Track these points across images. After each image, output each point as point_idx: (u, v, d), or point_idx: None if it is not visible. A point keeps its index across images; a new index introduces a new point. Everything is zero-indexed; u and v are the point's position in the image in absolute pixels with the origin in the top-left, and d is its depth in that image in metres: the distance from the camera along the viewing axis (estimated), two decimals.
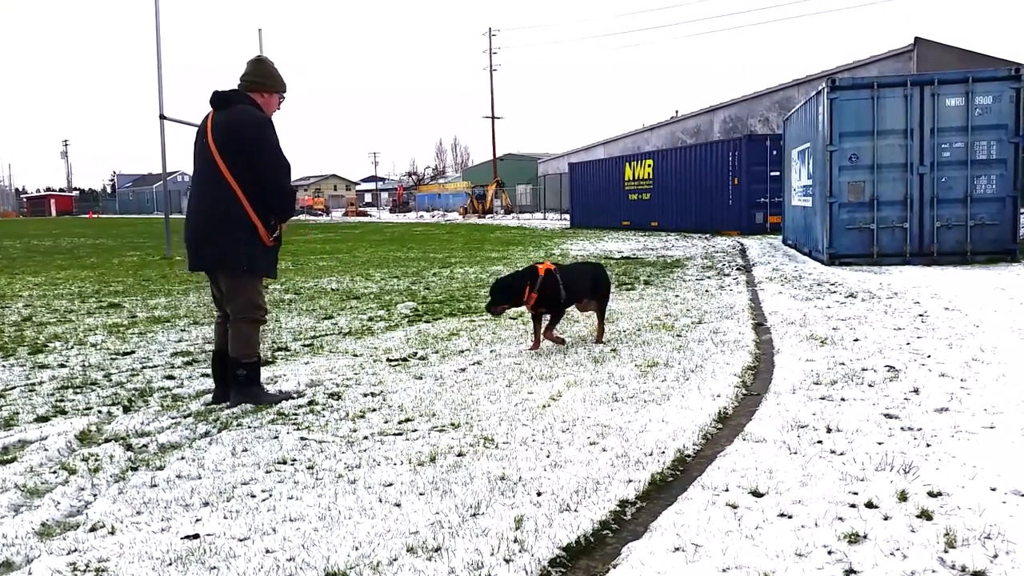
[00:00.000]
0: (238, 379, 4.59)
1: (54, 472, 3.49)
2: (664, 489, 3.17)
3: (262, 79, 4.57)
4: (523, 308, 6.08)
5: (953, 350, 5.44)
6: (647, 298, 8.94)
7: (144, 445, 3.88)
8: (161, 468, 3.52)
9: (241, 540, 2.75)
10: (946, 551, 2.48)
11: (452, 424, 4.10)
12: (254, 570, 2.52)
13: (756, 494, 3.00)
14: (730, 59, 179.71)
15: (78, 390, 5.11)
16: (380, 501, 3.06)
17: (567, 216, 35.44)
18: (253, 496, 3.16)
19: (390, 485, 3.23)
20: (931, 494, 2.93)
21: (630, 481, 3.20)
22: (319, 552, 2.63)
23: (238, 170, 4.36)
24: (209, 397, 4.79)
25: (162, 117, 16.93)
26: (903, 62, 24.71)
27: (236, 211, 4.39)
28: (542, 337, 6.06)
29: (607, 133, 72.30)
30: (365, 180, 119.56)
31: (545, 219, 42.64)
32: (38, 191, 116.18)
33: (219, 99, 4.49)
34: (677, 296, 9.05)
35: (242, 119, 4.39)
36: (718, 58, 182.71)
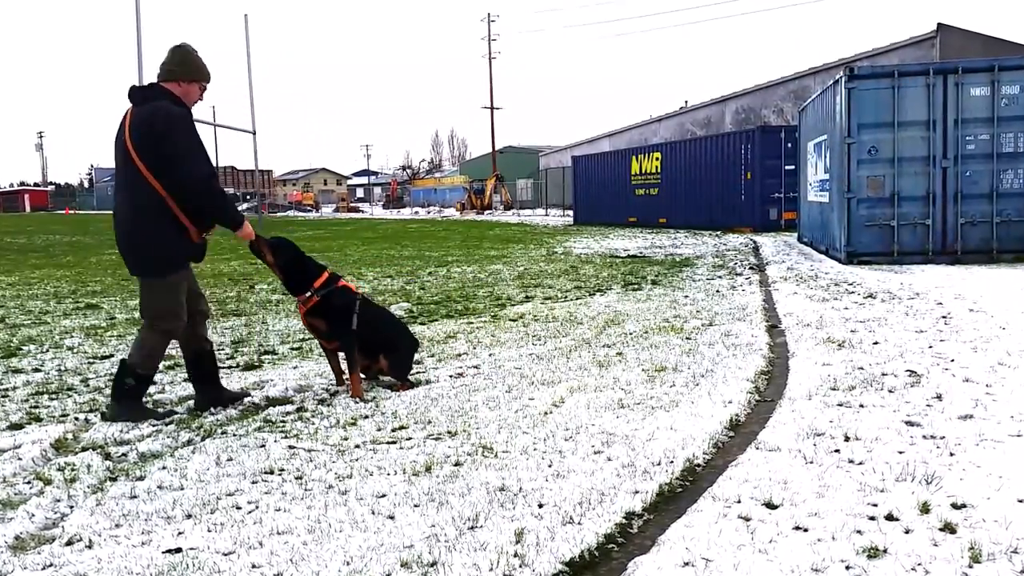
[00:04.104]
0: (122, 387, 4.48)
1: (28, 483, 3.49)
2: (673, 500, 3.17)
3: (178, 67, 4.49)
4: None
5: (978, 354, 5.44)
6: (655, 299, 8.94)
7: (123, 454, 3.88)
8: (141, 478, 3.52)
9: (226, 554, 2.75)
10: (971, 566, 2.48)
11: (449, 432, 4.10)
12: None
13: (770, 506, 3.00)
14: (743, 46, 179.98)
15: (54, 396, 5.12)
16: (373, 513, 3.06)
17: (570, 212, 35.45)
18: (238, 508, 3.16)
19: (383, 496, 3.23)
20: (955, 506, 2.94)
21: (637, 492, 3.20)
22: (308, 567, 2.63)
23: (155, 167, 4.30)
24: (193, 403, 4.80)
25: None
26: (925, 50, 24.71)
27: (160, 210, 4.34)
28: (349, 379, 4.99)
29: (613, 124, 72.36)
30: (357, 174, 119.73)
31: (547, 215, 42.65)
32: (11, 185, 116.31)
33: (136, 94, 4.46)
34: (686, 297, 9.05)
35: (155, 115, 4.32)
36: (730, 45, 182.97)
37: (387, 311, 6.01)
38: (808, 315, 7.34)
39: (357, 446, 3.91)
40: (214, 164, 4.49)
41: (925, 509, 2.91)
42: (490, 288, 10.42)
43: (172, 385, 5.36)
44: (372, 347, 5.06)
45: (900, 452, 3.55)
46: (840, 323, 6.89)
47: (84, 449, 3.95)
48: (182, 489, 3.38)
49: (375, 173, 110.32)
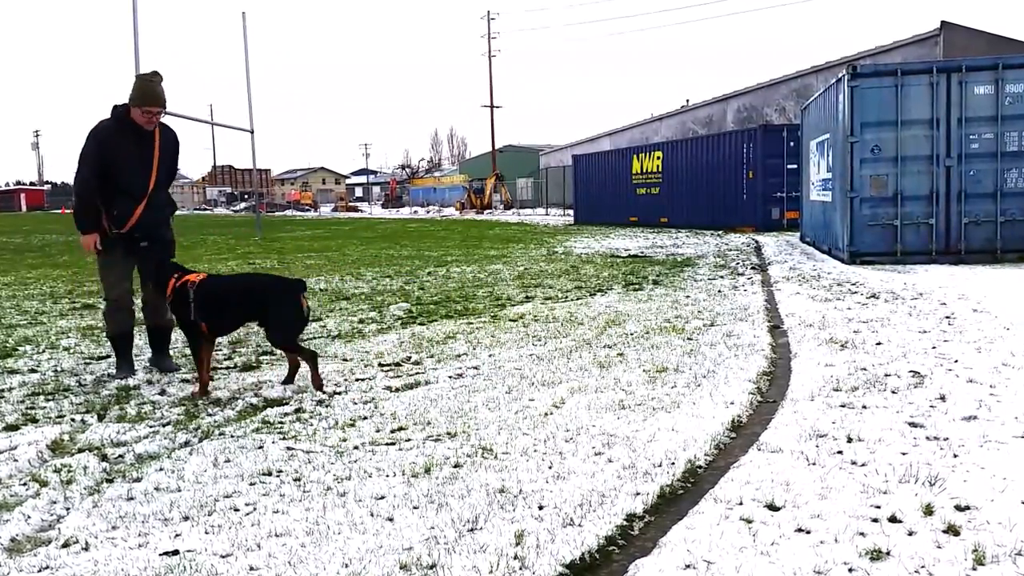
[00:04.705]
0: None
1: (24, 484, 3.50)
2: (674, 502, 3.17)
3: (130, 93, 5.39)
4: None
5: (982, 354, 5.44)
6: (656, 299, 8.94)
7: (120, 455, 3.88)
8: (138, 480, 3.53)
9: (223, 557, 2.75)
10: (974, 568, 2.49)
11: (448, 433, 4.10)
12: None
13: (772, 508, 3.00)
14: (745, 44, 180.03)
15: (50, 397, 5.12)
16: (371, 515, 3.06)
17: (571, 211, 35.45)
18: (236, 510, 3.16)
19: (382, 498, 3.23)
20: (958, 508, 2.94)
21: (638, 494, 3.20)
22: (306, 570, 2.63)
23: None
24: (191, 404, 4.84)
25: None
26: (929, 48, 24.71)
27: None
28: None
29: (613, 123, 72.41)
30: (356, 173, 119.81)
31: (547, 215, 42.65)
32: (7, 185, 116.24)
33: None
34: (688, 297, 9.05)
35: None
36: (732, 43, 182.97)
37: (243, 276, 6.37)
38: (810, 315, 7.34)
39: (356, 447, 3.91)
40: (160, 172, 5.62)
41: (928, 511, 2.91)
42: (490, 288, 10.42)
43: (170, 385, 5.36)
44: (236, 320, 5.46)
45: (903, 453, 3.55)
46: (843, 323, 6.89)
47: (81, 450, 3.95)
48: (179, 491, 3.38)
49: (374, 172, 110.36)
